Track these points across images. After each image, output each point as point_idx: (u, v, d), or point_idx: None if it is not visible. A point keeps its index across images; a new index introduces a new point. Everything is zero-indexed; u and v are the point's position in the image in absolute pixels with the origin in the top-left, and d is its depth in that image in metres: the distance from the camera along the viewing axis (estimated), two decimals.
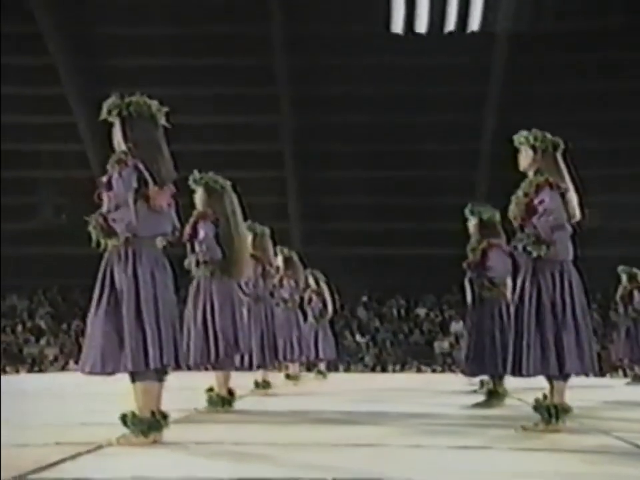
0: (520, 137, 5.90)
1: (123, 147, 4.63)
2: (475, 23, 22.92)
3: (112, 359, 4.47)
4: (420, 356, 24.28)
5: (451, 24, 23.05)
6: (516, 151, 5.93)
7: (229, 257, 6.59)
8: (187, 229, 6.52)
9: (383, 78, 24.43)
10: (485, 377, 9.24)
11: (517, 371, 5.59)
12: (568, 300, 5.54)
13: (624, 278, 12.92)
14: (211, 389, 6.89)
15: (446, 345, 24.81)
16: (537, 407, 5.53)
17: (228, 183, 6.80)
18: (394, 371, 23.07)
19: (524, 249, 5.58)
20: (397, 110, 25.31)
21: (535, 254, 5.53)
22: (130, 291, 4.48)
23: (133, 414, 4.53)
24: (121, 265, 4.52)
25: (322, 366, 13.59)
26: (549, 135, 5.95)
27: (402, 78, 24.23)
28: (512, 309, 5.68)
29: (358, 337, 25.17)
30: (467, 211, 8.01)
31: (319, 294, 12.76)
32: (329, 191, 27.27)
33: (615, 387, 11.79)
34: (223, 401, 6.78)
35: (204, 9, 24.00)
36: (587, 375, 5.69)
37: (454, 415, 6.73)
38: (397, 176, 26.69)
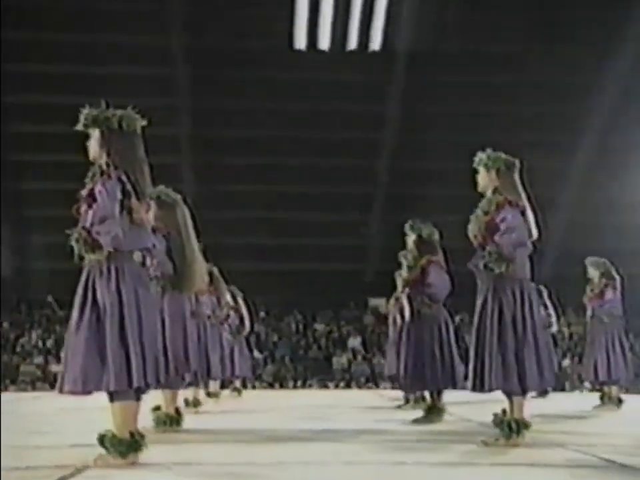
0: (476, 158, 6.05)
1: (105, 159, 4.49)
2: (376, 42, 23.27)
3: (93, 377, 4.30)
4: (319, 372, 24.31)
5: (353, 42, 23.33)
6: (475, 172, 6.07)
7: (180, 271, 6.45)
8: None
9: (284, 93, 24.45)
10: (418, 393, 9.39)
11: (479, 387, 5.67)
12: (528, 317, 5.66)
13: None
14: (157, 408, 6.71)
15: (344, 360, 24.94)
16: (498, 422, 5.63)
17: (179, 196, 6.69)
18: (295, 387, 22.98)
19: (485, 266, 5.67)
20: (295, 125, 25.36)
21: (496, 271, 5.62)
22: (113, 308, 4.33)
23: (113, 434, 4.37)
24: (103, 281, 4.37)
25: (237, 383, 13.43)
26: (503, 155, 6.13)
27: (303, 94, 24.31)
28: (473, 326, 5.76)
29: (256, 353, 24.97)
30: (406, 227, 8.09)
31: (237, 310, 12.59)
32: (224, 205, 27.00)
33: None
34: (171, 420, 6.61)
35: (103, 17, 23.49)
36: (546, 391, 5.82)
37: (405, 430, 6.75)
38: (292, 190, 26.68)
